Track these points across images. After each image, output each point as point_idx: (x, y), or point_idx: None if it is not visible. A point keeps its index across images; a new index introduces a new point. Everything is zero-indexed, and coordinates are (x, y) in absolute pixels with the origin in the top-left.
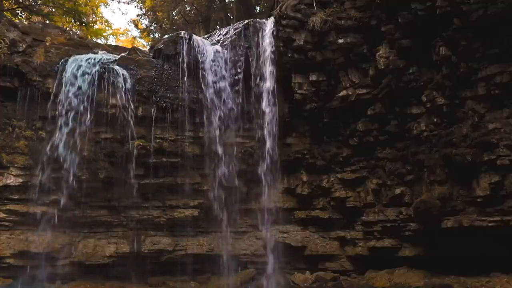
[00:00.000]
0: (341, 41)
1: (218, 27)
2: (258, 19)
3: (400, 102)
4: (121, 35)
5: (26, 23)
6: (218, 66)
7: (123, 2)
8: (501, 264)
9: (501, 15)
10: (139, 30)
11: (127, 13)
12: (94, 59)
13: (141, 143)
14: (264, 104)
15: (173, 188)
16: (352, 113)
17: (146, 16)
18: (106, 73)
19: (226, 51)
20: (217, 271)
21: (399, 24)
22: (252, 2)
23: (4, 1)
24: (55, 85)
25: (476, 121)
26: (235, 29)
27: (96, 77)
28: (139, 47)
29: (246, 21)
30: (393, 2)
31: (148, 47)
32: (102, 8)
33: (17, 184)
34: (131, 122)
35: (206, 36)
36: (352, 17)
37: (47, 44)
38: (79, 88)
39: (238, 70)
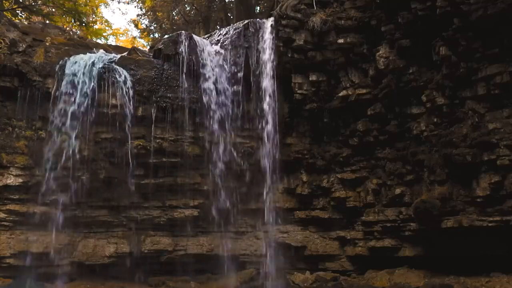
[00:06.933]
0: (341, 41)
1: (218, 27)
2: (258, 19)
3: (400, 102)
4: (121, 35)
5: (26, 23)
6: (218, 66)
7: (123, 2)
8: (501, 264)
9: (501, 15)
10: (139, 30)
11: (127, 13)
12: (94, 59)
13: (141, 143)
14: (264, 104)
15: (173, 188)
16: (352, 113)
17: (146, 16)
18: (106, 73)
19: (226, 51)
20: (217, 271)
21: (399, 24)
22: (252, 2)
23: (4, 1)
24: (55, 85)
25: (476, 121)
26: (235, 29)
27: (96, 77)
28: (139, 47)
29: (246, 21)
30: (393, 2)
31: (148, 47)
32: (102, 8)
33: (17, 184)
34: (131, 122)
35: (206, 36)
36: (352, 17)
37: (47, 44)
38: (79, 88)
39: (238, 70)
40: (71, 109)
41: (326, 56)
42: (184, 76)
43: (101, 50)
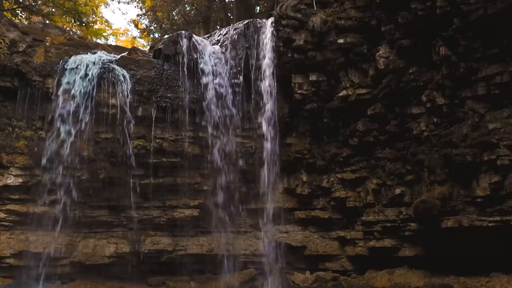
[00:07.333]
0: (341, 41)
1: (218, 27)
2: (258, 19)
3: (400, 102)
4: (121, 35)
5: (26, 23)
6: (218, 66)
7: (123, 2)
8: (501, 264)
9: (501, 15)
10: (139, 30)
11: (127, 13)
12: (94, 59)
13: (141, 143)
14: (264, 104)
15: (173, 188)
16: (352, 113)
17: (146, 16)
18: (106, 73)
19: (226, 51)
20: (217, 271)
21: (399, 24)
22: (252, 2)
23: (4, 1)
24: (55, 85)
25: (476, 121)
26: (235, 29)
27: (96, 77)
28: (139, 47)
29: (246, 21)
30: (393, 2)
31: (148, 47)
32: (102, 8)
33: (17, 184)
34: (131, 122)
35: (206, 36)
36: (352, 17)
37: (47, 44)
38: (79, 88)
39: (238, 70)
40: (71, 109)
41: (326, 56)
42: (184, 76)
43: (102, 50)
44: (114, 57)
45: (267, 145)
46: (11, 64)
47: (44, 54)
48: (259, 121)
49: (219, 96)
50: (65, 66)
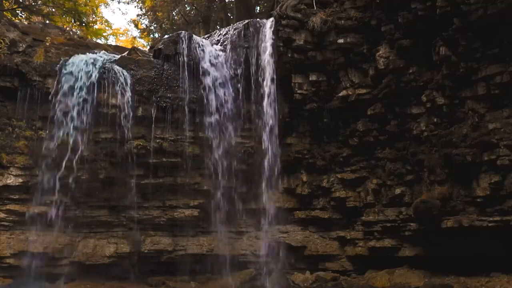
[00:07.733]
0: (341, 41)
1: (218, 27)
2: (258, 19)
3: (400, 102)
4: (121, 35)
5: (26, 23)
6: (218, 66)
7: (123, 2)
8: (501, 264)
9: (501, 15)
10: (139, 30)
11: (127, 13)
12: (94, 59)
13: (141, 143)
14: (264, 104)
15: (173, 188)
16: (352, 113)
17: (146, 16)
18: (106, 73)
19: (226, 51)
20: (217, 271)
21: (399, 24)
22: (252, 2)
23: (4, 1)
24: (55, 85)
25: (476, 121)
26: (235, 29)
27: (96, 77)
28: (139, 47)
29: (246, 21)
30: (393, 2)
31: (148, 47)
32: (102, 8)
33: (17, 184)
34: (131, 122)
35: (206, 36)
36: (352, 17)
37: (47, 44)
38: (79, 88)
39: (238, 70)
40: (71, 109)
41: (326, 56)
42: (184, 76)
43: (102, 50)
44: (114, 57)
45: (267, 145)
46: (11, 64)
47: (44, 54)
48: (259, 121)
49: (219, 96)
50: (65, 66)
